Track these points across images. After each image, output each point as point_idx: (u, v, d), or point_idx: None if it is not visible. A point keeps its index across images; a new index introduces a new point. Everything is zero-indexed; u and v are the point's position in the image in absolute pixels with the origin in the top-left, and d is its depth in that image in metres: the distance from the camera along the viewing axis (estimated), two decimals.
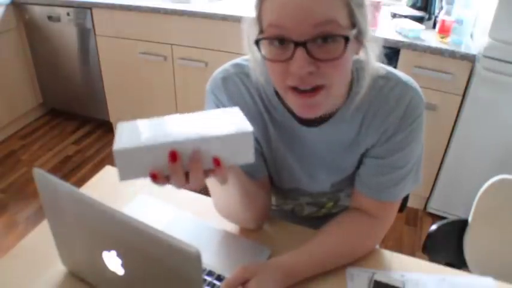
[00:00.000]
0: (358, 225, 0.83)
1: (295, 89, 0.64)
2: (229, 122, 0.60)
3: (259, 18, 0.64)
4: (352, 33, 0.62)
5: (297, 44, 0.59)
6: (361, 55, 0.70)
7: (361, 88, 0.73)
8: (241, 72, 0.79)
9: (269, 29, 0.61)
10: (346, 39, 0.60)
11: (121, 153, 0.55)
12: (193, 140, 0.56)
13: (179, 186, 0.58)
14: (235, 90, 0.79)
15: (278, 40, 0.61)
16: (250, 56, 0.73)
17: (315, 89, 0.63)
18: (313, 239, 0.80)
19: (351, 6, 0.61)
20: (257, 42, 0.63)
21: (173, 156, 0.55)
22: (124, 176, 0.56)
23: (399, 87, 0.74)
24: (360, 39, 0.65)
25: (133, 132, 0.58)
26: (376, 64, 0.73)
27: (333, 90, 0.65)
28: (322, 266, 0.79)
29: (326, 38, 0.59)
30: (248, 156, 0.60)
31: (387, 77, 0.75)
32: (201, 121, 0.61)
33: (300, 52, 0.59)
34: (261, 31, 0.64)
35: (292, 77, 0.62)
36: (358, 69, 0.74)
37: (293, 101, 0.67)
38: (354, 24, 0.62)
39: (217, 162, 0.58)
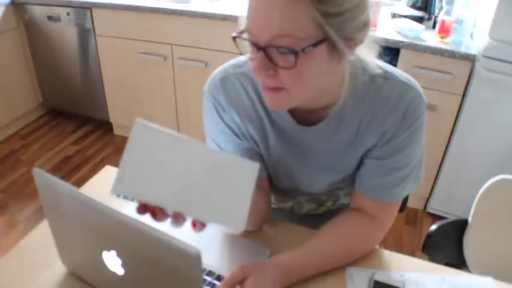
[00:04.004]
0: (357, 225, 0.83)
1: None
2: (233, 200, 0.60)
3: None
4: (318, 44, 0.60)
5: (259, 48, 0.62)
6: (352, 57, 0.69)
7: (343, 88, 0.73)
8: (240, 72, 0.79)
9: (246, 31, 0.64)
10: (296, 53, 0.60)
11: (118, 193, 0.57)
12: (184, 213, 0.59)
13: (159, 223, 0.62)
14: (234, 91, 0.79)
15: (248, 41, 0.64)
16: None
17: (277, 89, 0.66)
18: (312, 238, 0.80)
19: (317, 19, 0.58)
20: (234, 39, 0.66)
21: (154, 213, 0.60)
22: (115, 194, 0.58)
23: (399, 87, 0.74)
24: (337, 47, 0.62)
25: (139, 167, 0.58)
26: (371, 62, 0.73)
27: (295, 94, 0.66)
28: (321, 266, 0.79)
29: (279, 49, 0.61)
30: (232, 232, 0.65)
31: (386, 77, 0.74)
32: (207, 181, 0.60)
33: (260, 56, 0.62)
34: (242, 31, 0.66)
35: (258, 75, 0.66)
36: (356, 69, 0.74)
37: (264, 93, 0.70)
38: (326, 34, 0.60)
39: (194, 225, 0.62)
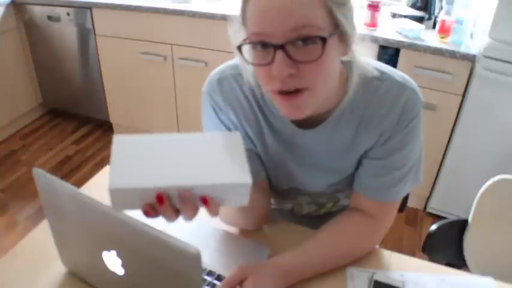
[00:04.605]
0: (357, 225, 0.83)
1: (279, 91, 0.65)
2: (229, 161, 0.60)
3: (244, 24, 0.65)
4: (333, 33, 0.62)
5: (276, 47, 0.60)
6: (350, 55, 0.70)
7: (348, 89, 0.73)
8: (238, 73, 0.79)
9: (251, 36, 0.62)
10: (324, 40, 0.60)
11: (115, 192, 0.56)
12: (187, 185, 0.57)
13: (170, 221, 0.60)
14: (231, 92, 0.79)
15: (260, 45, 0.62)
16: (241, 61, 0.73)
17: (298, 91, 0.64)
18: (313, 239, 0.80)
19: (330, 7, 0.60)
20: (239, 48, 0.64)
21: (160, 200, 0.57)
22: (118, 208, 0.58)
23: (395, 88, 0.74)
24: (344, 39, 0.65)
25: (129, 163, 0.58)
26: (368, 64, 0.74)
27: (317, 92, 0.65)
28: (322, 267, 0.79)
29: (304, 40, 0.60)
30: (242, 202, 0.61)
31: (382, 78, 0.74)
32: (199, 155, 0.61)
33: (280, 55, 0.60)
34: (246, 38, 0.64)
35: (275, 80, 0.63)
36: (349, 70, 0.74)
37: (278, 103, 0.67)
38: (336, 24, 0.62)
39: (205, 201, 0.59)
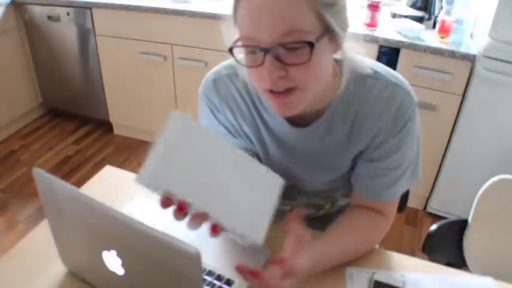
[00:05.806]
0: (367, 217, 0.83)
1: (271, 90, 0.66)
2: (255, 209, 0.61)
3: (236, 25, 0.66)
4: (322, 36, 0.62)
5: (266, 51, 0.61)
6: (342, 52, 0.70)
7: (341, 85, 0.73)
8: (233, 73, 0.80)
9: (243, 39, 0.64)
10: (311, 45, 0.60)
11: (144, 182, 0.54)
12: (206, 211, 0.58)
13: (177, 220, 0.60)
14: (226, 91, 0.80)
15: (250, 47, 0.63)
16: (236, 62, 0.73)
17: (289, 90, 0.65)
18: (330, 231, 0.79)
19: (319, 10, 0.61)
20: (231, 50, 0.65)
21: (180, 208, 0.58)
22: (141, 182, 0.55)
23: (388, 89, 0.74)
24: (334, 39, 0.65)
25: (169, 158, 0.56)
26: (362, 61, 0.74)
27: (308, 91, 0.66)
28: (343, 257, 0.79)
29: (292, 45, 0.60)
30: (245, 244, 0.64)
31: (376, 78, 0.74)
32: (233, 185, 0.61)
33: (269, 58, 0.61)
34: (237, 39, 0.65)
35: (266, 80, 0.64)
36: (341, 66, 0.74)
37: (270, 101, 0.69)
38: (326, 26, 0.62)
39: (214, 229, 0.60)
